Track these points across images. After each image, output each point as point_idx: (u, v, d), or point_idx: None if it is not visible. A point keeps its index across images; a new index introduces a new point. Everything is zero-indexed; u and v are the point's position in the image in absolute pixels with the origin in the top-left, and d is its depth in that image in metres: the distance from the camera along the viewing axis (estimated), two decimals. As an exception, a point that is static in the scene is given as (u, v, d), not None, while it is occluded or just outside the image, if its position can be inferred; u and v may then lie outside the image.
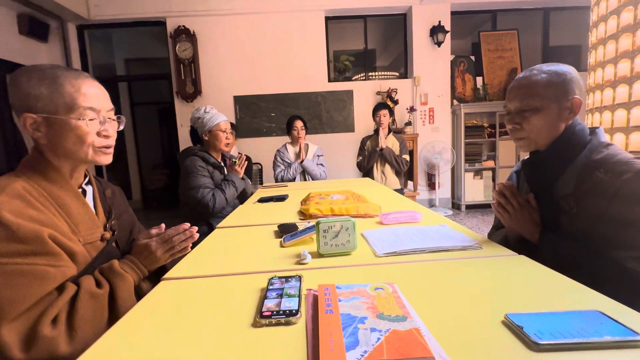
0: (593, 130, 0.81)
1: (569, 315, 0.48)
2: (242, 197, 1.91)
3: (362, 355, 0.39)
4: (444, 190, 4.36)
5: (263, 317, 0.51)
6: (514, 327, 0.46)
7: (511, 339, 0.44)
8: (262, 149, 4.07)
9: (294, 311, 0.52)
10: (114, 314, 0.65)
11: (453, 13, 4.21)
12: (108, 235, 0.75)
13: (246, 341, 0.47)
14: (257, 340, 0.47)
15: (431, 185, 4.32)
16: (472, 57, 4.36)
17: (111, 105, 0.76)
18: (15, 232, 0.56)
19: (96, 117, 0.71)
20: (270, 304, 0.55)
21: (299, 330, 0.49)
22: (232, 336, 0.49)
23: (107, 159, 0.75)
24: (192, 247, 0.93)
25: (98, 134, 0.72)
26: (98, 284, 0.65)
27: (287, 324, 0.51)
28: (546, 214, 0.82)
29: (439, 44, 4.06)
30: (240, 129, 4.15)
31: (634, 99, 1.21)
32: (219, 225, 1.21)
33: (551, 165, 0.82)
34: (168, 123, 5.20)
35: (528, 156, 0.92)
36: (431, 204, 4.34)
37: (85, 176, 0.80)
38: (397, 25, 4.42)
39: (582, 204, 0.74)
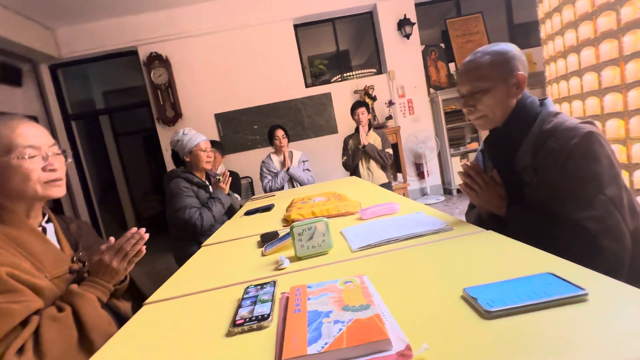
0: (542, 102, 0.85)
1: (522, 281, 0.50)
2: (231, 212, 1.92)
3: (322, 347, 0.41)
4: (433, 178, 4.40)
5: (236, 326, 0.53)
6: (470, 300, 0.48)
7: (467, 311, 0.47)
8: (249, 162, 4.09)
9: (265, 315, 0.54)
10: (84, 332, 0.66)
11: (417, 5, 4.30)
12: (77, 267, 0.77)
13: (219, 352, 0.49)
14: (229, 349, 0.49)
15: (420, 175, 4.36)
16: (442, 45, 4.45)
17: (52, 141, 0.77)
18: None
19: (37, 153, 0.73)
20: (244, 312, 0.57)
21: (270, 333, 0.51)
22: (206, 349, 0.50)
23: (59, 191, 0.76)
24: (179, 265, 0.94)
25: (43, 169, 0.73)
26: (59, 309, 0.66)
27: (259, 328, 0.52)
28: (510, 188, 0.85)
29: (407, 36, 4.13)
30: (224, 146, 4.16)
31: (583, 65, 1.26)
32: (205, 243, 1.22)
33: (508, 139, 0.85)
34: (153, 149, 5.19)
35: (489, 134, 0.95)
36: (423, 193, 4.38)
37: (45, 215, 0.81)
38: (365, 24, 4.49)
39: (540, 173, 0.77)
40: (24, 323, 0.61)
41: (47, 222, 0.81)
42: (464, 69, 0.88)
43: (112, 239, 0.79)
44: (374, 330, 0.43)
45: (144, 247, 0.80)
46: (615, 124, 1.17)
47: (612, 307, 0.42)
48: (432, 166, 4.36)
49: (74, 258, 0.78)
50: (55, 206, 4.01)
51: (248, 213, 1.66)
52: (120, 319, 0.75)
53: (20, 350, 0.59)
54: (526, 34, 4.58)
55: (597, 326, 0.39)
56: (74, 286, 0.71)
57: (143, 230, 0.80)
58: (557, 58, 1.37)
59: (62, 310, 0.66)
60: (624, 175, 1.22)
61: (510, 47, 0.84)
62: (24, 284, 0.63)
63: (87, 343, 0.66)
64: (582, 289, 0.45)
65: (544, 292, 0.46)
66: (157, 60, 4.04)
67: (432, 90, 4.36)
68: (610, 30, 1.14)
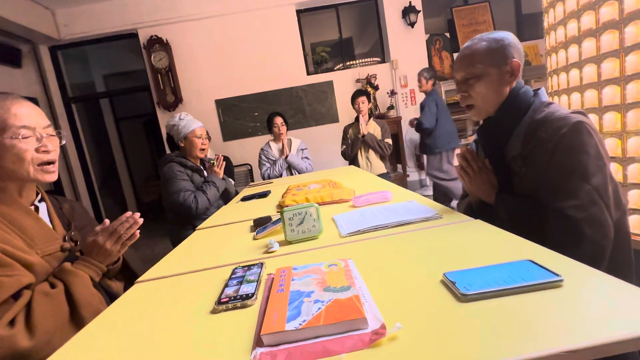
0: (536, 92, 0.84)
1: (501, 267, 0.51)
2: (226, 197, 1.93)
3: (300, 324, 0.42)
4: (434, 170, 4.39)
5: (221, 304, 0.54)
6: (448, 284, 0.49)
7: (444, 294, 0.48)
8: (249, 149, 4.08)
9: (250, 295, 0.55)
10: (75, 309, 0.68)
11: (423, -8, 4.19)
12: (68, 245, 0.78)
13: (203, 327, 0.50)
14: (213, 325, 0.50)
15: (420, 166, 4.35)
16: (447, 34, 4.36)
17: (47, 122, 0.77)
18: None
19: (31, 134, 0.73)
20: (229, 291, 0.58)
21: (254, 311, 0.52)
22: (190, 325, 0.52)
23: (50, 177, 0.76)
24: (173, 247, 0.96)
25: (37, 150, 0.73)
26: (52, 285, 0.68)
27: (243, 307, 0.54)
28: (500, 177, 0.85)
29: (412, 24, 4.05)
30: (224, 132, 4.15)
31: (584, 57, 1.23)
32: (199, 226, 1.23)
33: (500, 129, 0.85)
34: (153, 134, 5.19)
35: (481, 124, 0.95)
36: (422, 184, 4.38)
37: (38, 194, 0.82)
38: (369, 11, 4.40)
39: (529, 163, 0.78)
40: (16, 297, 0.63)
41: (39, 201, 0.82)
42: (460, 55, 0.87)
43: (106, 221, 0.80)
44: (352, 309, 0.44)
45: (138, 231, 0.82)
46: (613, 117, 1.16)
47: (585, 294, 0.43)
48: (432, 158, 4.34)
49: (66, 237, 0.80)
50: (56, 190, 4.04)
51: (245, 199, 1.68)
52: (113, 298, 0.77)
53: (12, 323, 0.61)
54: (534, 24, 4.48)
55: (569, 311, 0.40)
56: (67, 264, 0.73)
57: (137, 215, 0.81)
58: (558, 49, 1.35)
59: (55, 286, 0.68)
60: (618, 169, 1.22)
61: (507, 35, 0.83)
62: (15, 259, 0.64)
63: (78, 319, 0.68)
64: (557, 275, 0.46)
65: (520, 277, 0.47)
66: (158, 43, 3.99)
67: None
68: (613, 20, 1.12)
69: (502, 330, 0.38)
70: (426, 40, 4.25)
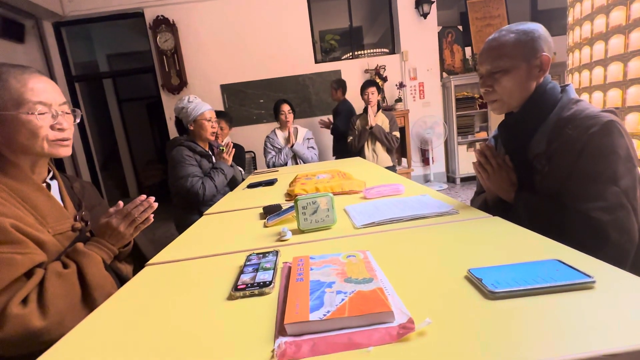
0: (564, 88, 0.81)
1: (528, 265, 0.50)
2: (233, 184, 1.92)
3: (324, 315, 0.41)
4: (438, 165, 4.37)
5: (237, 290, 0.53)
6: (474, 280, 0.48)
7: (471, 291, 0.46)
8: (254, 136, 4.04)
9: (267, 282, 0.54)
10: (87, 290, 0.67)
11: (438, -18, 4.08)
12: (79, 225, 0.77)
13: (220, 313, 0.49)
14: (231, 312, 0.49)
15: (425, 161, 4.32)
16: (460, 27, 4.27)
17: (63, 99, 0.75)
18: None
19: (47, 110, 0.71)
20: (246, 278, 0.57)
21: (272, 299, 0.51)
22: (207, 310, 0.51)
23: (65, 151, 0.75)
24: (180, 233, 0.95)
25: (52, 127, 0.71)
26: (65, 265, 0.67)
27: (261, 294, 0.53)
28: (521, 175, 0.83)
29: (424, 15, 3.96)
30: (232, 117, 4.11)
31: (610, 54, 1.20)
32: (207, 212, 1.22)
33: (524, 125, 0.83)
34: (157, 117, 5.14)
35: (503, 119, 0.92)
36: (426, 180, 4.36)
37: (50, 172, 0.80)
38: (382, 0, 4.30)
39: (553, 162, 0.75)
40: (28, 275, 0.62)
41: (51, 179, 0.80)
42: (486, 47, 0.83)
43: (120, 203, 0.79)
44: (377, 302, 0.43)
45: (152, 215, 0.81)
46: (635, 118, 1.13)
47: (619, 296, 0.42)
48: (437, 153, 4.31)
49: (77, 217, 0.78)
50: (57, 168, 4.02)
51: (251, 186, 1.66)
52: (122, 281, 0.77)
53: (25, 301, 0.59)
54: (549, 21, 4.38)
55: (602, 313, 0.39)
56: (80, 245, 0.72)
57: (152, 198, 0.80)
58: (582, 45, 1.30)
59: (67, 266, 0.67)
60: None
61: (538, 27, 0.80)
62: (27, 237, 0.63)
63: (90, 301, 0.67)
64: (589, 276, 0.44)
65: (550, 277, 0.45)
66: (164, 24, 3.91)
67: (444, 75, 4.23)
68: (644, 17, 1.08)
69: (535, 330, 0.37)
70: (438, 33, 4.16)
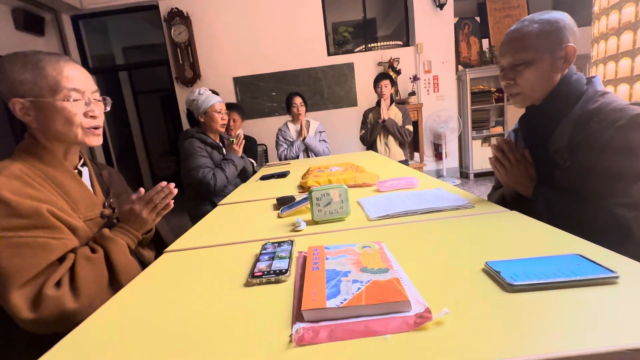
0: (590, 80, 0.78)
1: (548, 259, 0.49)
2: (244, 176, 1.94)
3: (341, 302, 0.42)
4: (451, 160, 4.30)
5: (254, 277, 0.54)
6: (492, 273, 0.47)
7: (489, 284, 0.46)
8: (265, 129, 4.06)
9: (283, 270, 0.55)
10: (114, 274, 0.70)
11: (455, -29, 3.96)
12: (107, 212, 0.79)
13: (238, 299, 0.50)
14: (248, 298, 0.50)
15: (438, 156, 4.26)
16: (477, 19, 4.15)
17: (95, 87, 0.77)
18: (15, 209, 0.60)
19: (81, 98, 0.73)
20: (262, 265, 0.58)
21: (288, 287, 0.52)
22: (225, 296, 0.52)
23: (97, 140, 0.77)
24: (193, 223, 0.97)
25: (85, 114, 0.73)
26: (93, 250, 0.70)
27: (277, 282, 0.54)
28: (541, 169, 0.81)
29: (441, 6, 3.86)
30: (245, 109, 4.13)
31: (638, 45, 1.14)
32: (221, 202, 1.24)
33: (546, 118, 0.80)
34: (171, 109, 5.20)
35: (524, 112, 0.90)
36: (439, 175, 4.30)
37: (80, 158, 0.83)
38: (396, -10, 4.21)
39: (576, 156, 0.73)
40: (60, 259, 0.65)
41: (82, 165, 0.83)
42: (507, 38, 0.81)
43: (142, 189, 0.81)
44: (393, 291, 0.43)
45: (172, 201, 0.82)
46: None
47: (644, 292, 0.41)
48: (451, 148, 4.24)
49: (105, 203, 0.81)
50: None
51: (263, 178, 1.68)
52: (144, 267, 0.79)
53: (58, 284, 0.62)
54: (571, 12, 4.20)
55: (625, 308, 0.38)
56: (106, 230, 0.74)
57: (172, 185, 0.82)
58: (608, 36, 1.24)
59: (95, 251, 0.70)
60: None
61: (563, 16, 0.77)
62: (61, 222, 0.65)
63: (117, 285, 0.70)
64: (612, 271, 0.43)
65: (571, 271, 0.44)
66: (178, 17, 3.94)
67: (460, 68, 4.14)
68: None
69: (555, 323, 0.37)
70: (454, 24, 4.05)
